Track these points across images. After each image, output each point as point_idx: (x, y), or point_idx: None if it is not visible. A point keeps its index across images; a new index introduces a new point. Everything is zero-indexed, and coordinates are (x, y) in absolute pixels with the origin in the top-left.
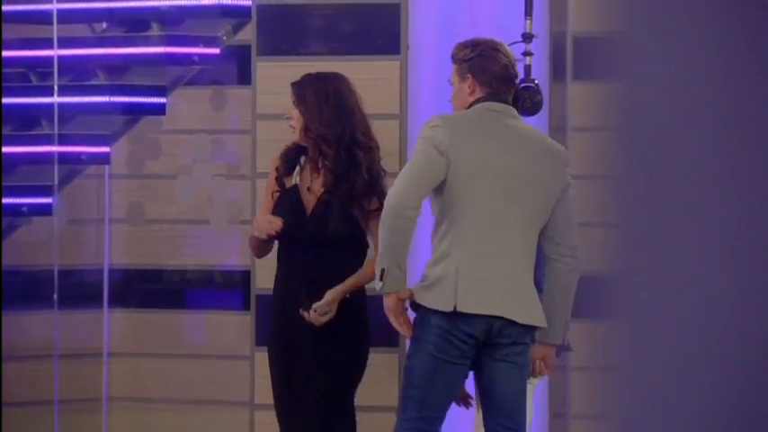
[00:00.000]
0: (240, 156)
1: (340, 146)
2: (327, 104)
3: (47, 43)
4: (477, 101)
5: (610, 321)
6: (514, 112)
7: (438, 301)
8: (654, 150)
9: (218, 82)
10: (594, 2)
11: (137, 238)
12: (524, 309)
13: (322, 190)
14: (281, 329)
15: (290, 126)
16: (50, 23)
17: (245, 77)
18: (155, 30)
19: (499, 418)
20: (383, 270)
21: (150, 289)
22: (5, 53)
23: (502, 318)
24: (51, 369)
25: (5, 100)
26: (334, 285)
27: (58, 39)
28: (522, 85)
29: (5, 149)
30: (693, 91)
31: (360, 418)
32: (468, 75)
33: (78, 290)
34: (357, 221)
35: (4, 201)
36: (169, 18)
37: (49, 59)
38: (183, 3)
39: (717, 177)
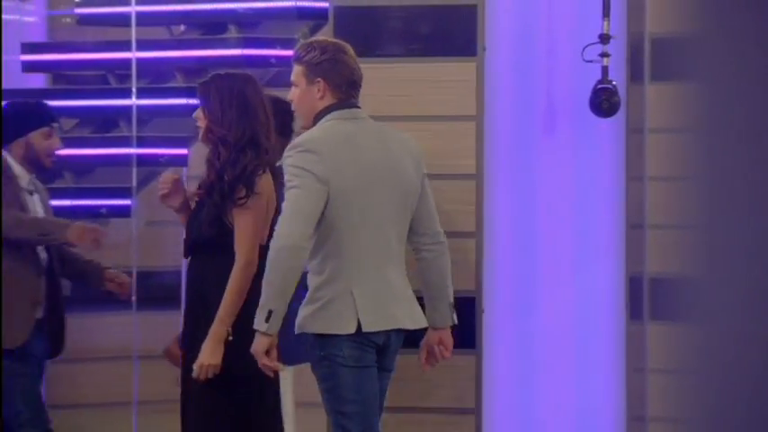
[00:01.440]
0: None
1: (236, 148)
2: (230, 106)
3: (125, 46)
4: (328, 108)
5: (688, 324)
6: (363, 113)
7: (339, 325)
8: (733, 151)
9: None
10: (672, 2)
11: None
12: (412, 315)
13: (203, 191)
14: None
15: (198, 126)
16: (129, 26)
17: None
18: (232, 32)
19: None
20: (270, 312)
21: None
22: (85, 56)
23: (398, 329)
24: (130, 370)
25: (85, 102)
26: (205, 294)
27: (137, 41)
28: (600, 86)
29: (85, 151)
30: None
31: (438, 419)
32: (319, 79)
33: (156, 291)
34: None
35: (83, 202)
36: (246, 20)
37: (127, 62)
38: (260, 5)
39: None
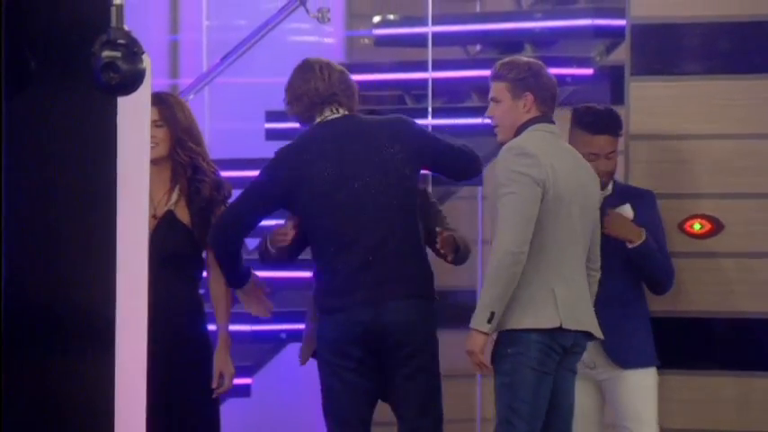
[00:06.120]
0: None
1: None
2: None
3: (422, 66)
4: (532, 121)
5: None
6: (558, 129)
7: (542, 320)
8: None
9: (591, 102)
10: None
11: None
12: (597, 324)
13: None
14: None
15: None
16: (425, 46)
17: (618, 97)
18: (528, 51)
19: (559, 424)
20: (493, 313)
21: None
22: (382, 76)
23: (585, 332)
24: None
25: None
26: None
27: (433, 61)
28: None
29: None
30: None
31: None
32: (528, 93)
33: (450, 311)
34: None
35: None
36: (542, 39)
37: (423, 82)
38: (556, 24)
39: None
